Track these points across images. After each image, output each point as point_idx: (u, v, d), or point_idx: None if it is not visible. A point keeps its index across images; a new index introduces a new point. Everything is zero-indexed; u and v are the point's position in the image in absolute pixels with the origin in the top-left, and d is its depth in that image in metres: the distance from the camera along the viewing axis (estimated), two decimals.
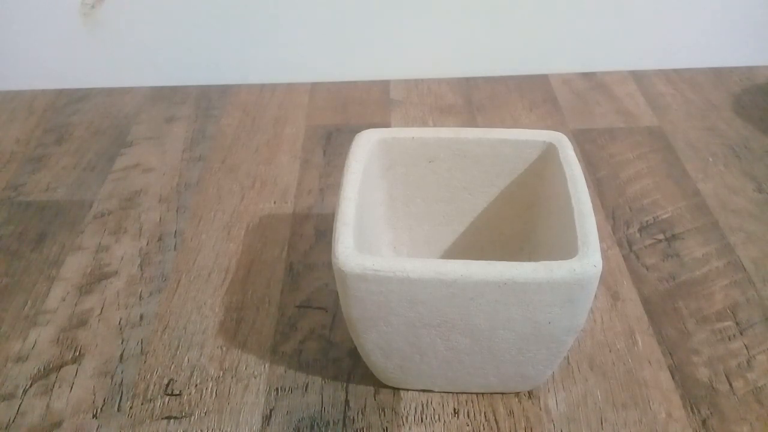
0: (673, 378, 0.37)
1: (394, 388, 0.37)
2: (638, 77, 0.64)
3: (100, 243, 0.47)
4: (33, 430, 0.35)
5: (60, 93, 0.64)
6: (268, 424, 0.35)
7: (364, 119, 0.59)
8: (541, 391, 0.36)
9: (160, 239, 0.47)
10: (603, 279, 0.43)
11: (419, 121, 0.59)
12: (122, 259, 0.46)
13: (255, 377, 0.38)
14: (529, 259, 0.37)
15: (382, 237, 0.40)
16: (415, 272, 0.29)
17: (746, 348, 0.38)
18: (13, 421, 0.36)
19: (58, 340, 0.40)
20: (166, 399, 0.37)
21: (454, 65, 0.65)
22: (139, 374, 0.38)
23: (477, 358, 0.33)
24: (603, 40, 0.63)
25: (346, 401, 0.36)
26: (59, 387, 0.37)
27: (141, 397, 0.37)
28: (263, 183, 0.52)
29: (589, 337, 0.39)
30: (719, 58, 0.65)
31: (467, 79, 0.64)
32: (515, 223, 0.40)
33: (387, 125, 0.58)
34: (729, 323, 0.40)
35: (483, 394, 0.36)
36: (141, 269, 0.45)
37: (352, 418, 0.35)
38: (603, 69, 0.65)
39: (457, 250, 0.41)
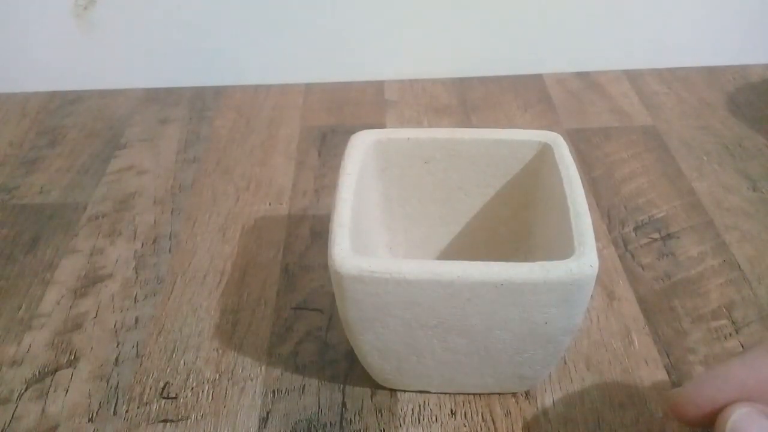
0: (669, 377, 0.37)
1: (390, 390, 0.37)
2: (632, 76, 0.64)
3: (94, 246, 0.47)
4: None
5: (53, 95, 0.64)
6: (264, 427, 0.35)
7: (359, 120, 0.59)
8: (538, 392, 0.36)
9: (155, 242, 0.47)
10: (599, 278, 0.42)
11: (414, 121, 0.59)
12: (117, 261, 0.45)
13: (251, 380, 0.38)
14: (525, 260, 0.37)
15: (378, 238, 0.40)
16: (411, 274, 0.29)
17: (742, 346, 0.39)
18: (9, 425, 0.35)
19: (53, 343, 0.40)
20: (162, 402, 0.37)
21: (448, 65, 0.65)
22: (134, 377, 0.38)
23: (474, 358, 0.33)
24: (597, 39, 0.64)
25: (343, 403, 0.36)
26: (54, 391, 0.37)
27: (137, 400, 0.37)
28: (258, 184, 0.52)
29: (585, 336, 0.39)
30: (713, 56, 0.65)
31: (461, 80, 0.64)
32: (511, 223, 0.40)
33: (382, 126, 0.58)
34: (725, 322, 0.40)
35: (480, 394, 0.36)
36: (136, 272, 0.44)
37: (349, 419, 0.35)
38: (597, 68, 0.65)
39: (453, 251, 0.41)
